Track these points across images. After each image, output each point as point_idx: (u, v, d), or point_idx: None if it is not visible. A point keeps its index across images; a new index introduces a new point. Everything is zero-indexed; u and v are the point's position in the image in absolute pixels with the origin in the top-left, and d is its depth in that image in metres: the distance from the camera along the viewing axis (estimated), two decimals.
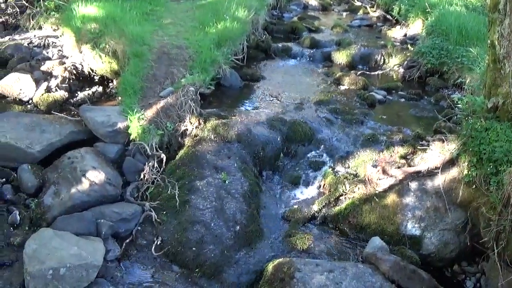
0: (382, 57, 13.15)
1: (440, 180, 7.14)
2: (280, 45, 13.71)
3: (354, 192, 7.67)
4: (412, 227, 7.12)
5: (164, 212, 7.06)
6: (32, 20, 11.76)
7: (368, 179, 7.68)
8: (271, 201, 7.89)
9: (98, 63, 9.78)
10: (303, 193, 8.23)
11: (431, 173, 7.34)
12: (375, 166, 7.97)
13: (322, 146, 8.93)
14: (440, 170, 7.16)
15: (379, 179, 7.61)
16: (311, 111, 9.81)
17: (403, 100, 11.23)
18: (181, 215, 6.97)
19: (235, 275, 6.51)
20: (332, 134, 9.17)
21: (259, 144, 8.47)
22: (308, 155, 8.84)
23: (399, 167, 7.68)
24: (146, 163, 7.71)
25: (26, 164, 7.44)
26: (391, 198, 7.38)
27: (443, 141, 7.66)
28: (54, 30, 11.54)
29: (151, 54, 9.58)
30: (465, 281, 6.79)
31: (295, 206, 7.77)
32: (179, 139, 8.40)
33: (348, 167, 8.43)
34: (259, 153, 8.49)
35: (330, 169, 8.39)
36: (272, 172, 8.59)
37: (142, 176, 7.61)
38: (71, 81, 9.84)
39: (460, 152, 6.99)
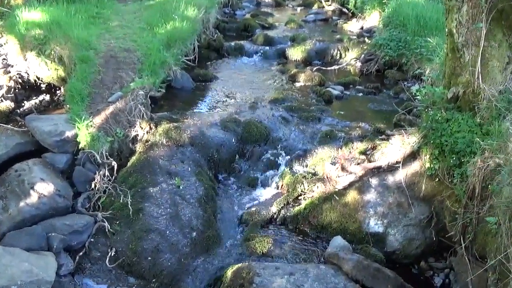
0: (339, 52, 13.26)
1: (401, 175, 7.11)
2: (232, 43, 13.72)
3: (313, 191, 7.67)
4: (374, 224, 7.13)
5: (118, 222, 6.98)
6: None
7: (327, 177, 7.68)
8: (228, 205, 7.87)
9: (44, 70, 9.59)
10: (261, 195, 8.19)
11: (392, 168, 7.32)
12: (333, 163, 7.96)
13: (279, 145, 8.90)
14: (401, 164, 7.13)
15: (339, 177, 7.60)
16: (266, 110, 9.77)
17: (361, 94, 11.33)
18: (135, 224, 6.90)
19: (193, 283, 6.47)
20: (289, 132, 9.16)
21: (213, 146, 8.46)
22: (265, 155, 8.79)
23: (358, 163, 7.68)
24: (97, 172, 7.62)
25: None
26: (352, 195, 7.40)
27: (404, 135, 7.60)
28: None
29: (98, 59, 9.51)
30: (433, 278, 6.81)
31: (253, 209, 7.73)
32: (130, 145, 8.30)
33: (306, 166, 8.44)
34: (214, 156, 8.49)
35: (288, 168, 8.37)
36: (228, 174, 8.61)
37: (93, 185, 7.51)
38: (17, 90, 9.68)
39: (421, 145, 6.95)
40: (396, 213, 7.06)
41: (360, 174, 7.47)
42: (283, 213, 7.62)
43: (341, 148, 8.42)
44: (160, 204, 7.19)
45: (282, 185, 8.19)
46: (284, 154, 8.77)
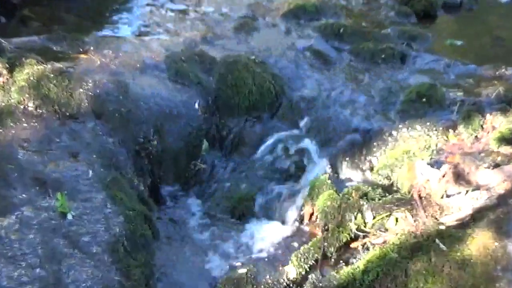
0: None
1: None
2: None
3: (385, 230, 5.98)
4: None
5: None
6: None
7: (420, 197, 5.99)
8: (182, 258, 6.23)
9: None
10: (261, 238, 6.52)
11: None
12: (435, 164, 6.17)
13: (304, 119, 7.24)
14: None
15: (448, 196, 5.83)
16: (275, 36, 8.47)
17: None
18: None
19: None
20: (328, 89, 7.49)
21: (150, 120, 6.92)
22: (270, 142, 7.14)
23: (496, 165, 5.98)
24: None
25: None
26: (481, 242, 5.51)
27: None
28: None
29: None
30: None
31: (241, 271, 5.97)
32: None
33: (370, 170, 6.85)
34: (150, 144, 6.87)
35: (325, 176, 6.55)
36: (184, 186, 7.08)
37: None
38: None
39: None
40: None
41: (502, 191, 5.81)
42: (314, 281, 5.83)
43: (453, 130, 6.67)
44: (17, 258, 5.34)
45: (310, 215, 6.50)
46: (315, 142, 7.06)
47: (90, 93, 6.77)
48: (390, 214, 5.93)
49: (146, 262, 5.86)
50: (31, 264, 5.26)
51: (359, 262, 5.79)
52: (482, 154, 6.17)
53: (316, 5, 9.22)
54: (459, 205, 5.77)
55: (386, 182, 6.57)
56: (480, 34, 9.18)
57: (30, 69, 6.85)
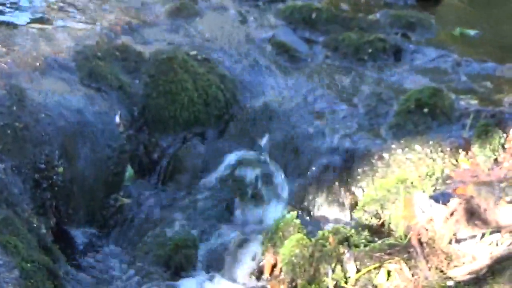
0: None
1: None
2: None
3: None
4: None
5: None
6: None
7: (420, 242, 5.93)
8: None
9: None
10: None
11: None
12: (441, 197, 6.06)
13: (265, 135, 7.23)
14: None
15: (458, 241, 5.77)
16: (226, 23, 8.45)
17: None
18: None
19: None
20: (298, 95, 7.56)
21: (55, 140, 6.69)
22: (217, 168, 7.03)
23: None
24: None
25: None
26: None
27: None
28: None
29: None
30: None
31: None
32: None
33: (351, 204, 6.79)
34: (55, 171, 6.63)
35: (292, 213, 6.29)
36: (101, 229, 6.91)
37: None
38: None
39: None
40: None
41: None
42: None
43: (465, 151, 6.60)
44: None
45: (272, 268, 6.29)
46: (279, 167, 7.03)
47: None
48: (380, 266, 5.66)
49: None
50: None
51: None
52: (504, 184, 5.98)
53: None
54: (473, 253, 5.59)
55: (374, 222, 6.25)
56: (501, 21, 8.94)
57: None
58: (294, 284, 5.90)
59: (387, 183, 6.42)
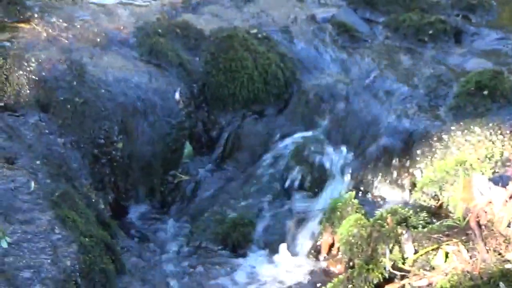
0: None
1: None
2: None
3: (430, 270, 5.66)
4: None
5: None
6: None
7: (479, 225, 5.81)
8: None
9: None
10: (261, 275, 6.29)
11: None
12: (500, 180, 5.94)
13: (325, 115, 7.12)
14: None
15: None
16: (287, 2, 8.51)
17: None
18: None
19: None
20: (358, 75, 7.43)
21: (114, 115, 6.70)
22: (276, 146, 7.05)
23: None
24: None
25: None
26: None
27: None
28: None
29: None
30: None
31: None
32: None
33: (410, 185, 6.63)
34: (114, 147, 6.72)
35: (350, 193, 6.29)
36: (159, 206, 6.92)
37: None
38: None
39: None
40: None
41: None
42: None
43: None
44: None
45: (329, 247, 6.29)
46: (337, 148, 6.93)
47: (33, 77, 6.48)
48: (438, 248, 5.61)
49: None
50: None
51: None
52: None
53: None
54: None
55: (433, 203, 6.25)
56: None
57: None
58: (351, 264, 5.85)
59: (446, 165, 6.35)
